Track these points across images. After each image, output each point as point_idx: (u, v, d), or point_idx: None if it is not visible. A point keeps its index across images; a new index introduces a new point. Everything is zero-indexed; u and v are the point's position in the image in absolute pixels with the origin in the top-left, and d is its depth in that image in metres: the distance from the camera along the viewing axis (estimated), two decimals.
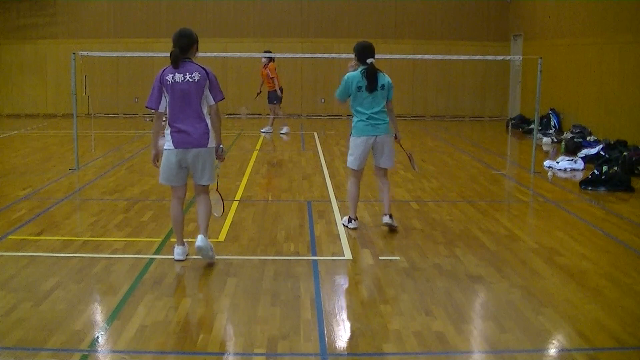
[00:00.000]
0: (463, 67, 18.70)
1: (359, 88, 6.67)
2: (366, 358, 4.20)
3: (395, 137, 7.00)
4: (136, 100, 18.87)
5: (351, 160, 6.89)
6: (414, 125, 16.97)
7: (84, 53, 10.43)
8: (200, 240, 5.68)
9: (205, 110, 5.68)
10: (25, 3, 18.57)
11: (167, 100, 5.63)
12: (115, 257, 5.99)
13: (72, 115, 10.48)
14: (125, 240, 6.54)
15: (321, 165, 11.00)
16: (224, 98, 5.76)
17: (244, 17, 18.31)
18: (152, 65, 18.53)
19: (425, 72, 17.99)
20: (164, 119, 5.76)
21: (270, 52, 14.13)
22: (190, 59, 5.69)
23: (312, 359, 4.13)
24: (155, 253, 6.14)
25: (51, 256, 6.00)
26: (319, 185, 9.41)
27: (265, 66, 14.64)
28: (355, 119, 6.80)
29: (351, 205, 7.02)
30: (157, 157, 5.84)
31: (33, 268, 5.66)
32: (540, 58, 10.38)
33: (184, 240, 5.98)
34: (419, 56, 12.53)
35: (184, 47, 5.63)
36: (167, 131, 5.68)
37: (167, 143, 5.68)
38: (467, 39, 18.52)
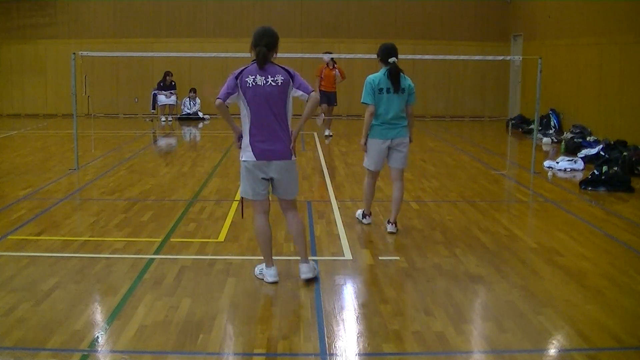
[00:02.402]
0: (463, 67, 18.72)
1: (380, 90, 6.51)
2: (366, 358, 4.20)
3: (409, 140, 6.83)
4: (136, 100, 18.88)
5: (367, 162, 6.82)
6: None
7: (84, 53, 10.43)
8: (306, 270, 5.29)
9: (290, 115, 5.15)
10: (25, 3, 18.58)
11: (247, 106, 5.06)
12: (115, 257, 5.98)
13: (72, 115, 10.48)
14: (125, 240, 6.53)
15: (321, 165, 11.00)
16: (314, 90, 5.17)
17: (244, 18, 18.31)
18: (152, 65, 18.59)
19: (425, 72, 17.99)
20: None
21: (332, 53, 14.16)
22: (272, 61, 5.14)
23: (312, 359, 4.13)
24: (155, 253, 6.13)
25: (51, 256, 5.99)
26: (319, 185, 9.41)
27: (329, 66, 14.23)
28: (373, 121, 6.61)
29: (366, 202, 7.14)
30: (239, 137, 5.22)
31: (33, 268, 5.66)
32: (540, 58, 10.38)
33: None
34: (418, 56, 12.51)
35: (270, 45, 5.06)
36: (247, 140, 5.12)
37: (246, 153, 5.14)
38: (467, 39, 18.52)
